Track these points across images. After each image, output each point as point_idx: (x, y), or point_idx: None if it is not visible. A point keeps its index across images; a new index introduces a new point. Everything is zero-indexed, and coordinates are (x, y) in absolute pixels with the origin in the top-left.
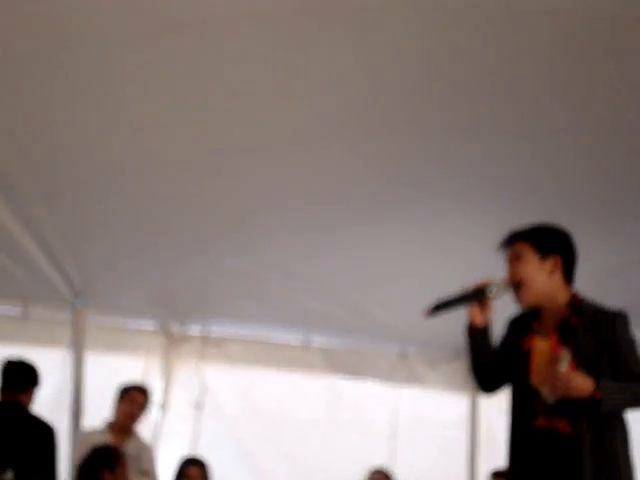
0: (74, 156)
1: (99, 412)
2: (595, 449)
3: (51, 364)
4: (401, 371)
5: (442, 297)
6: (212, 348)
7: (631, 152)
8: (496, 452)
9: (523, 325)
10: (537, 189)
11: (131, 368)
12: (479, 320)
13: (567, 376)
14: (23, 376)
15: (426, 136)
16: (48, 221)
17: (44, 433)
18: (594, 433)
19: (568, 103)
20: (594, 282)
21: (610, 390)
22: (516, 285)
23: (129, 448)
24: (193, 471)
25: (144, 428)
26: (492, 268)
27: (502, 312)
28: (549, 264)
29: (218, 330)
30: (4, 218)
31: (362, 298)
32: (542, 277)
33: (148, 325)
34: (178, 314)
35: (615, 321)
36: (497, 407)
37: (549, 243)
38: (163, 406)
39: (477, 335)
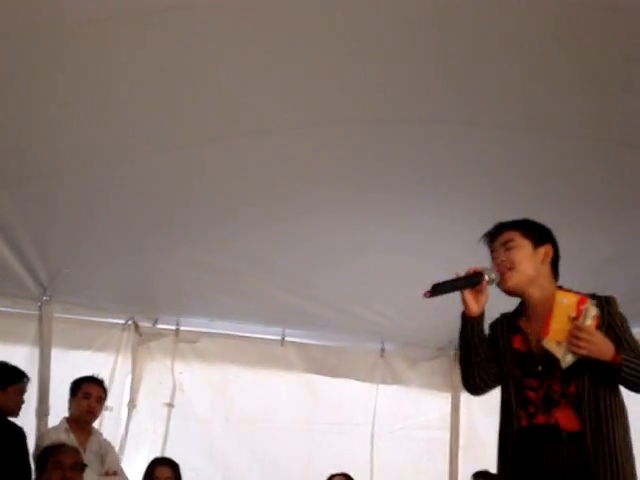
0: (40, 148)
1: (66, 411)
2: (598, 443)
3: (17, 361)
4: (381, 370)
5: (440, 280)
6: (185, 345)
7: (627, 144)
8: (477, 452)
9: (507, 326)
10: (526, 184)
11: (100, 365)
12: (475, 307)
13: (592, 331)
14: None
15: (408, 134)
16: (14, 216)
17: (14, 435)
18: (598, 425)
19: (558, 96)
20: (589, 274)
21: (628, 358)
22: (506, 269)
23: (92, 446)
24: (162, 472)
25: (113, 427)
26: (473, 264)
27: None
28: (541, 253)
29: (191, 326)
30: None
31: (341, 296)
32: (534, 264)
33: (118, 321)
34: (149, 310)
35: (610, 304)
36: (478, 406)
37: (541, 232)
38: (133, 405)
39: (473, 323)
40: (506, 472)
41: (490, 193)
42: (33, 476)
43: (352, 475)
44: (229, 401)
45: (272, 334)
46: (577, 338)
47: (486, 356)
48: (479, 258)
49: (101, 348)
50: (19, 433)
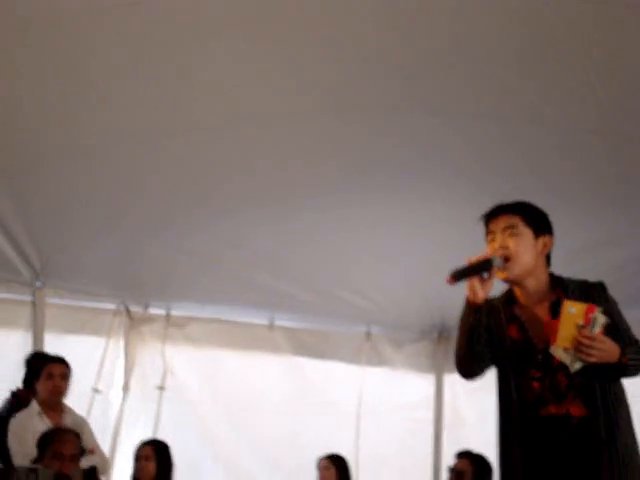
0: (33, 136)
1: None
2: (608, 429)
3: (10, 346)
4: (366, 352)
5: (457, 267)
6: (175, 329)
7: (602, 133)
8: (461, 432)
9: (499, 313)
10: (508, 171)
11: (92, 350)
12: (480, 294)
13: (603, 339)
14: None
15: (395, 120)
16: (6, 202)
17: None
18: (606, 412)
19: (536, 84)
20: (565, 261)
21: (633, 354)
22: (505, 257)
23: (67, 425)
24: (145, 451)
25: (103, 411)
26: (459, 251)
27: None
28: (541, 244)
29: (181, 311)
30: None
31: (328, 280)
32: (532, 254)
33: (109, 306)
34: (140, 295)
35: (604, 290)
36: (462, 387)
37: (542, 221)
38: (127, 388)
39: (477, 310)
40: (513, 462)
41: (478, 176)
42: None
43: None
44: (219, 384)
45: (261, 318)
46: (588, 347)
47: (483, 344)
48: (465, 242)
49: (93, 333)
50: None
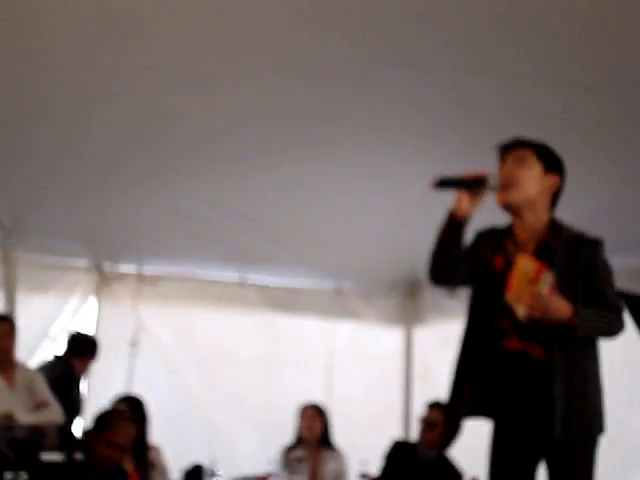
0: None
1: (31, 352)
2: (567, 375)
3: None
4: (337, 306)
5: (446, 174)
6: (147, 286)
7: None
8: (430, 384)
9: (493, 242)
10: (482, 125)
11: (63, 307)
12: (465, 209)
13: (547, 299)
14: None
15: (364, 73)
16: None
17: None
18: (566, 358)
19: (509, 38)
20: None
21: (587, 317)
22: (508, 183)
23: (19, 382)
24: (119, 407)
25: None
26: (429, 205)
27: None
28: (549, 181)
29: (153, 268)
30: None
31: (298, 235)
32: (538, 187)
33: (81, 264)
34: (111, 252)
35: (596, 247)
36: (432, 339)
37: (555, 161)
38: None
39: (456, 223)
40: (463, 380)
41: (442, 134)
42: None
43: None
44: (192, 340)
45: (232, 275)
46: (533, 303)
47: (459, 257)
48: (435, 196)
49: (65, 290)
50: None
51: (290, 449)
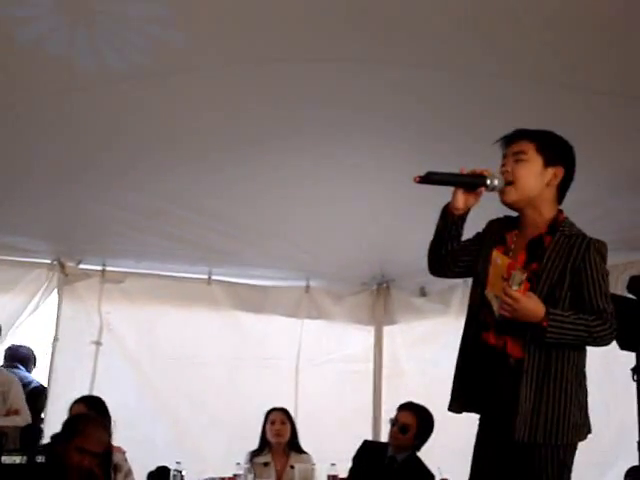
0: None
1: None
2: (538, 379)
3: None
4: (306, 305)
5: (437, 171)
6: (111, 285)
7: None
8: (400, 383)
9: (500, 232)
10: (453, 120)
11: (25, 305)
12: (461, 205)
13: (515, 298)
14: None
15: (326, 67)
16: None
17: None
18: (540, 361)
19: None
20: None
21: (560, 320)
22: (507, 183)
23: None
24: (78, 408)
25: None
26: (399, 202)
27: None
28: (550, 174)
29: (117, 267)
30: None
31: (266, 233)
32: (538, 184)
33: (43, 261)
34: (74, 250)
35: (589, 248)
36: (401, 339)
37: (556, 152)
38: (56, 340)
39: (451, 219)
40: (459, 382)
41: (413, 136)
42: None
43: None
44: (157, 339)
45: (199, 273)
46: (503, 301)
47: (465, 248)
48: (405, 193)
49: (26, 289)
50: None
51: (256, 453)
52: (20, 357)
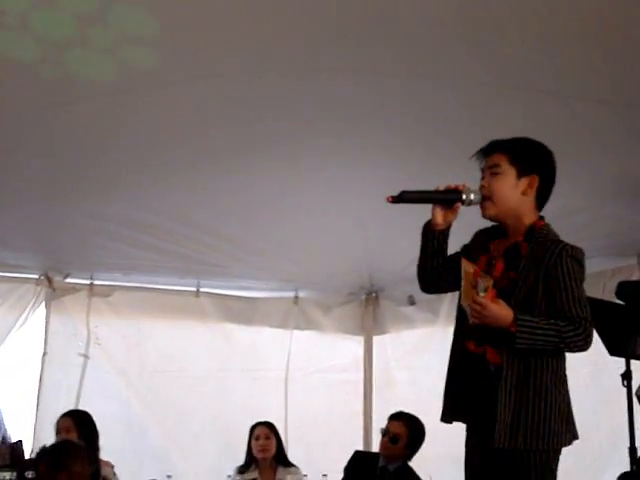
0: None
1: None
2: (516, 386)
3: None
4: (294, 316)
5: (413, 189)
6: (99, 298)
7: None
8: (391, 393)
9: (484, 241)
10: (439, 128)
11: (13, 320)
12: (440, 222)
13: (482, 304)
14: None
15: (311, 78)
16: None
17: None
18: (517, 368)
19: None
20: None
21: (530, 326)
22: (485, 197)
23: None
24: (65, 423)
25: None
26: (386, 213)
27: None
28: (524, 183)
29: (105, 280)
30: None
31: (255, 245)
32: (514, 195)
33: (31, 276)
34: (62, 265)
35: (561, 254)
36: (391, 349)
37: (530, 161)
38: (45, 354)
39: (432, 236)
40: (447, 390)
41: (401, 146)
42: None
43: (268, 420)
44: (145, 352)
45: (187, 285)
46: (471, 308)
47: (440, 265)
48: (389, 208)
49: (15, 304)
50: None
51: (243, 469)
52: None
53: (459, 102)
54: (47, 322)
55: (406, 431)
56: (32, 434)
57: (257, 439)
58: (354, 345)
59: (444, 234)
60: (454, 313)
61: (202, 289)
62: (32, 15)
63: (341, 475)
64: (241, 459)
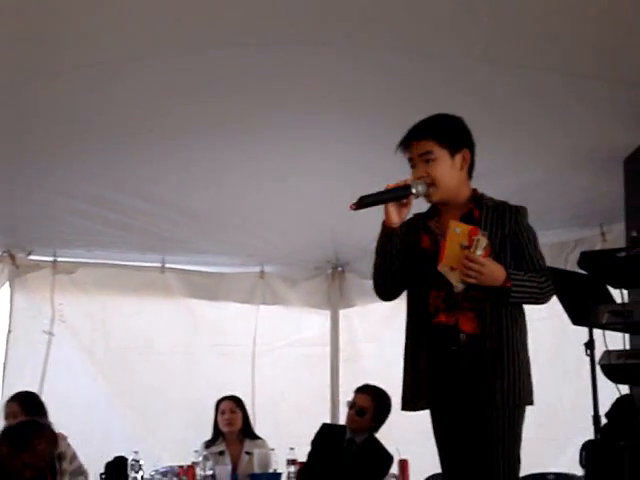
0: None
1: None
2: (498, 346)
3: None
4: (261, 291)
5: (368, 193)
6: (63, 275)
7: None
8: (357, 366)
9: (418, 224)
10: (407, 106)
11: None
12: (396, 219)
13: (482, 262)
14: None
15: (289, 57)
16: None
17: None
18: (498, 329)
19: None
20: None
21: (520, 279)
22: (428, 185)
23: None
24: (11, 408)
25: None
26: (352, 186)
27: None
28: (459, 160)
29: (68, 257)
30: None
31: (219, 220)
32: (454, 175)
33: None
34: (25, 242)
35: (518, 213)
36: (358, 322)
37: (457, 137)
38: (10, 332)
39: (391, 234)
40: (405, 366)
41: (365, 115)
42: None
43: (234, 394)
44: (110, 329)
45: (152, 261)
46: (468, 268)
47: (401, 264)
48: (357, 177)
49: None
50: None
51: (210, 443)
52: None
53: (429, 72)
54: (11, 300)
55: (372, 404)
56: None
57: (223, 413)
58: (321, 319)
59: (400, 232)
60: None
61: (167, 265)
62: None
63: (308, 448)
64: (208, 434)
